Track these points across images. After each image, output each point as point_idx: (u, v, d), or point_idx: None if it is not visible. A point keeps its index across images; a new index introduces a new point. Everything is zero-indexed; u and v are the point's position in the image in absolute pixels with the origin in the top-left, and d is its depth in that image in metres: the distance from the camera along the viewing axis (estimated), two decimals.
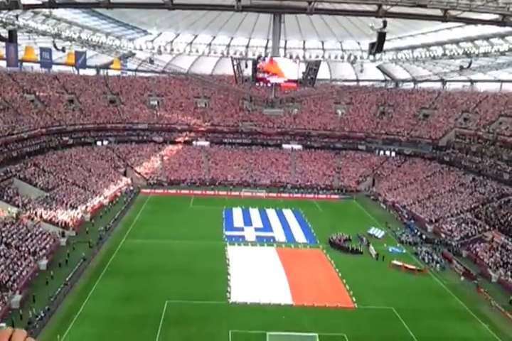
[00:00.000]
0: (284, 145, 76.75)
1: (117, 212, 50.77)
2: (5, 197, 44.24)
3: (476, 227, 46.69)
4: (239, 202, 58.94)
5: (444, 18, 28.15)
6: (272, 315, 29.96)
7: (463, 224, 48.04)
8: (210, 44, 69.15)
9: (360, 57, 65.52)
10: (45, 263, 35.92)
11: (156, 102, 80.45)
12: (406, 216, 54.35)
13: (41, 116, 64.70)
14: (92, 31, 53.38)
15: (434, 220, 51.19)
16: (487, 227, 45.94)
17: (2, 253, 33.96)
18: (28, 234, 38.66)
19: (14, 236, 37.32)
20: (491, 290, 35.04)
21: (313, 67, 55.48)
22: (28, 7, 31.78)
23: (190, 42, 67.83)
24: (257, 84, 58.72)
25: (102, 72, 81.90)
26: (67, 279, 32.88)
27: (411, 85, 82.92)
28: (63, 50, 48.59)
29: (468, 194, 55.26)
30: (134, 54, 65.88)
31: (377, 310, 31.45)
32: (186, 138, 76.08)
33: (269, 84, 57.97)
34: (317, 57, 64.72)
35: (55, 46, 46.85)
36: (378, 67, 77.87)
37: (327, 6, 33.51)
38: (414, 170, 68.73)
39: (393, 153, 74.28)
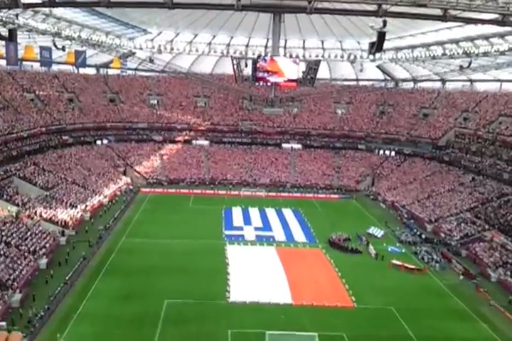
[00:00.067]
0: (284, 145, 76.73)
1: (117, 211, 50.80)
2: (5, 196, 44.24)
3: (475, 227, 46.75)
4: (238, 201, 58.98)
5: (443, 18, 28.24)
6: (271, 314, 29.98)
7: (462, 224, 48.09)
8: (210, 43, 69.27)
9: (360, 56, 65.59)
10: (45, 262, 35.94)
11: (155, 101, 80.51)
12: (405, 215, 54.40)
13: (41, 115, 64.64)
14: (92, 30, 53.44)
15: (433, 220, 51.22)
16: (486, 227, 45.98)
17: (2, 252, 33.93)
18: (28, 233, 38.68)
19: (14, 235, 37.34)
20: (490, 290, 35.07)
21: (313, 67, 55.58)
22: (28, 6, 31.70)
23: (190, 42, 67.92)
24: (256, 83, 58.93)
25: (101, 71, 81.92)
26: (66, 278, 32.93)
27: (411, 85, 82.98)
28: (63, 49, 48.68)
29: (468, 193, 55.30)
30: (133, 53, 65.87)
31: (376, 310, 31.46)
32: (186, 138, 76.07)
33: (268, 84, 58.11)
34: (317, 56, 64.73)
35: (55, 45, 46.92)
36: (378, 67, 77.85)
37: (327, 6, 33.59)
38: (414, 169, 68.76)
39: (393, 153, 74.32)
